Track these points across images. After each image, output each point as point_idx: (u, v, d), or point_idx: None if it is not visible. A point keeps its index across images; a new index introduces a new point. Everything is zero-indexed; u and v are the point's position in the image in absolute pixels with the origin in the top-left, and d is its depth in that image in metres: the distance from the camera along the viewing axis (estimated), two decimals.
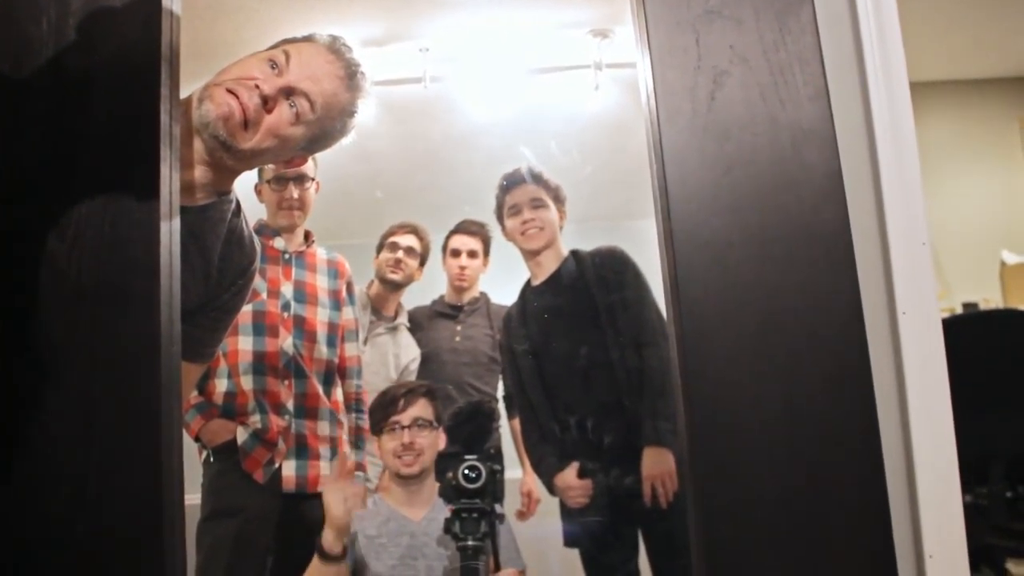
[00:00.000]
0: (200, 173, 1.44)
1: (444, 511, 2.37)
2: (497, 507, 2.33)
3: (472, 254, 3.32)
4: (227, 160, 1.45)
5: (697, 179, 1.20)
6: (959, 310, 5.47)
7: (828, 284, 1.19)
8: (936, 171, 6.00)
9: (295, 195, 2.74)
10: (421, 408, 2.51)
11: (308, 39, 1.53)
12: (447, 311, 3.34)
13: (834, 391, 1.17)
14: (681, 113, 1.21)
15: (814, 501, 1.15)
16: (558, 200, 2.75)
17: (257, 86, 1.40)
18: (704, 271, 1.18)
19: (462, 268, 3.31)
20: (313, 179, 2.78)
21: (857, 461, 1.17)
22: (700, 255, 1.18)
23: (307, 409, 2.65)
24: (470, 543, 2.23)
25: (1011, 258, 6.00)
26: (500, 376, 3.19)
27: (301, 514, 2.60)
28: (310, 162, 2.75)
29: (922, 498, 1.25)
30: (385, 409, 2.52)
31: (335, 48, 1.51)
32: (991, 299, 5.91)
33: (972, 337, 3.89)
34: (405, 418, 2.48)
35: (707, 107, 1.21)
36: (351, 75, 1.51)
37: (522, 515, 3.11)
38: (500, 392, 3.23)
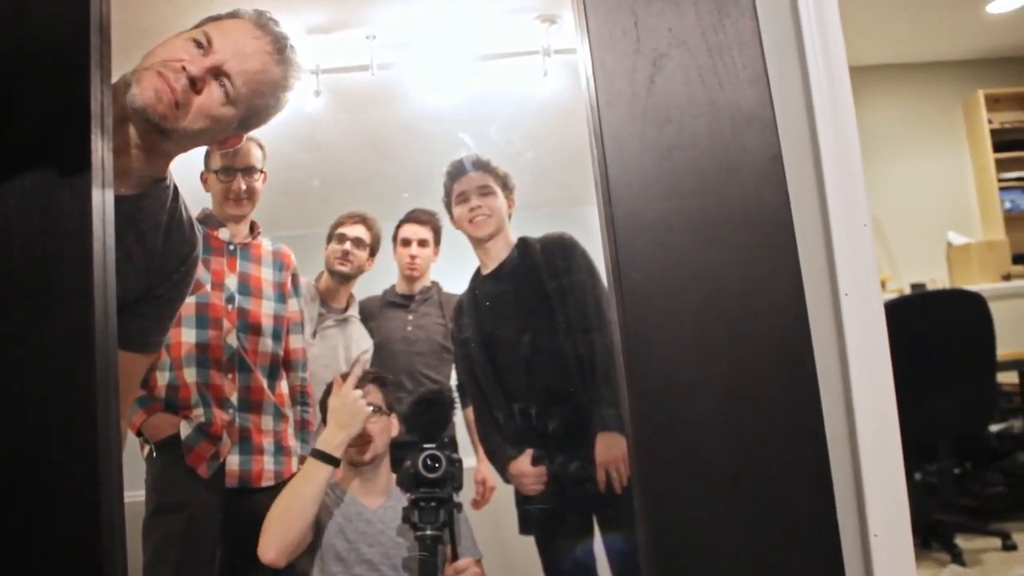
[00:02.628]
0: (134, 160, 1.42)
1: (401, 500, 2.35)
2: (455, 496, 2.32)
3: (423, 243, 3.30)
4: (161, 143, 1.43)
5: (637, 163, 1.19)
6: (907, 291, 5.55)
7: (770, 267, 1.19)
8: (883, 155, 6.09)
9: (242, 187, 2.69)
10: (371, 395, 2.49)
11: (233, 15, 1.50)
12: (398, 300, 3.32)
13: (777, 374, 1.17)
14: (621, 96, 1.21)
15: (758, 483, 1.16)
16: (506, 187, 2.74)
17: (184, 67, 1.37)
18: (646, 255, 1.17)
19: (413, 257, 3.28)
20: (262, 171, 2.74)
21: (801, 442, 1.17)
22: (641, 239, 1.18)
23: (251, 403, 2.62)
24: (429, 533, 2.23)
25: (957, 239, 6.10)
26: (453, 365, 3.17)
27: (247, 508, 2.57)
28: (258, 152, 2.71)
29: (866, 478, 1.26)
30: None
31: (261, 23, 1.49)
32: (938, 279, 6.01)
33: (920, 317, 3.96)
34: None
35: (647, 90, 1.21)
36: (280, 49, 1.48)
37: (477, 503, 3.10)
38: (453, 381, 3.21)
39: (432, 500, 2.26)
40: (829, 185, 1.30)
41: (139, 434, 2.53)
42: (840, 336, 1.28)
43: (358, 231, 3.22)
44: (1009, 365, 4.41)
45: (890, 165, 6.12)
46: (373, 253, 3.27)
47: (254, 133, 1.68)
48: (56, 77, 1.10)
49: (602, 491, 2.49)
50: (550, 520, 2.65)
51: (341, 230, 3.22)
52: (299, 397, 2.81)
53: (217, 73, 1.42)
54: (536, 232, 2.75)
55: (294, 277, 2.83)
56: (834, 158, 1.30)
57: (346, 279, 3.23)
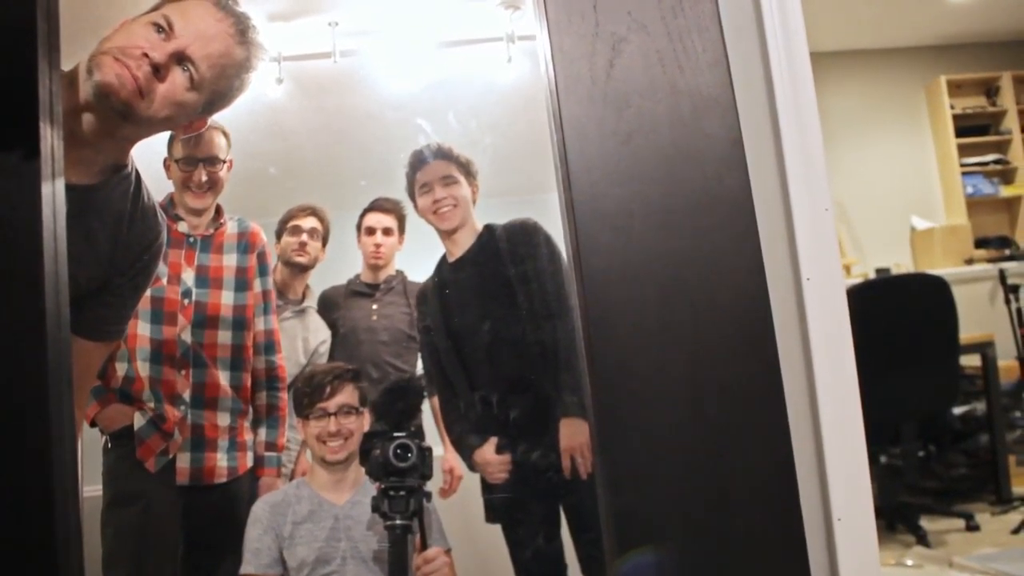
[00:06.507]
0: (93, 148, 1.40)
1: (368, 494, 2.34)
2: (425, 485, 2.31)
3: (387, 232, 3.28)
4: (123, 129, 1.40)
5: (597, 148, 1.18)
6: (872, 276, 5.59)
7: (731, 252, 1.18)
8: (847, 140, 6.12)
9: (203, 178, 2.61)
10: (348, 394, 2.47)
11: None
12: (363, 290, 3.30)
13: (739, 359, 1.17)
14: (580, 81, 1.20)
15: (721, 469, 1.15)
16: (469, 174, 2.70)
17: (145, 54, 1.34)
18: (606, 241, 1.17)
19: (377, 246, 3.27)
20: (225, 161, 2.66)
21: (763, 427, 1.17)
22: (602, 225, 1.17)
23: (206, 399, 2.57)
24: (398, 522, 2.21)
25: (920, 223, 6.15)
26: (418, 354, 3.15)
27: (203, 504, 2.53)
28: (222, 141, 2.62)
29: (829, 463, 1.26)
30: (311, 395, 2.47)
31: (222, 4, 1.45)
32: (902, 264, 6.06)
33: (884, 302, 3.99)
34: (331, 405, 2.44)
35: (606, 75, 1.20)
36: (242, 31, 1.45)
37: (445, 492, 3.09)
38: (419, 370, 3.20)
39: (402, 489, 2.25)
40: (790, 170, 1.30)
41: (93, 424, 2.49)
42: (802, 321, 1.28)
43: (312, 222, 3.20)
44: (971, 348, 4.46)
45: (854, 151, 6.16)
46: (325, 243, 3.25)
47: (219, 119, 1.65)
48: (2, 66, 1.08)
49: (567, 477, 2.48)
50: (515, 508, 2.64)
51: (295, 222, 3.19)
52: (264, 382, 2.75)
53: (180, 58, 1.38)
54: (499, 219, 2.73)
55: (261, 256, 2.76)
56: (795, 143, 1.30)
57: (303, 270, 3.22)
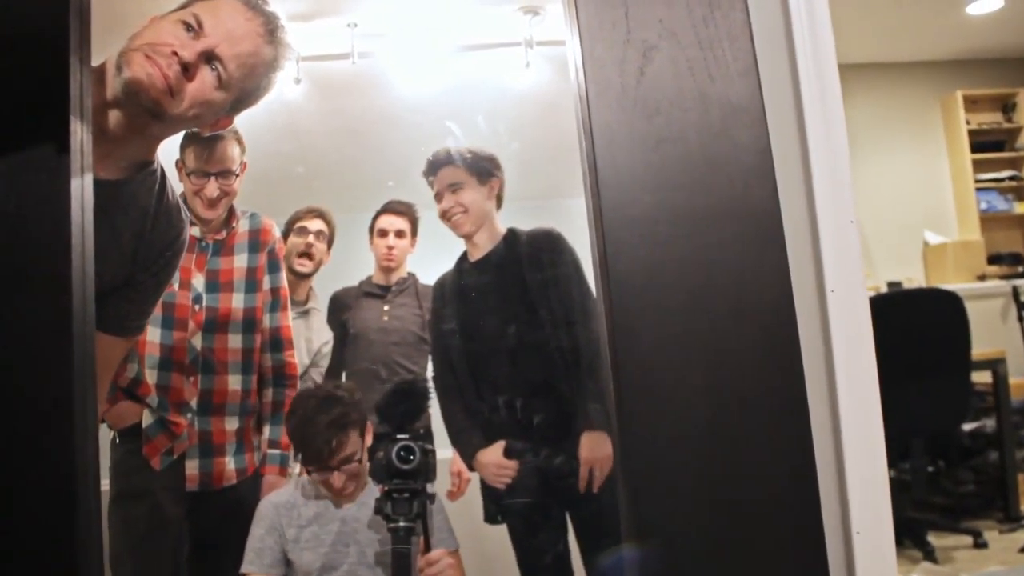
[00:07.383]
0: (121, 144, 1.40)
1: (373, 496, 2.32)
2: (429, 487, 2.29)
3: (400, 234, 3.29)
4: (151, 127, 1.40)
5: (626, 155, 1.18)
6: (884, 289, 5.58)
7: (758, 261, 1.18)
8: (861, 153, 6.11)
9: (214, 194, 2.54)
10: (350, 445, 2.36)
11: None
12: (375, 291, 3.31)
13: (763, 369, 1.17)
14: (610, 88, 1.20)
15: (743, 478, 1.15)
16: (483, 175, 2.68)
17: (175, 52, 1.34)
18: (633, 248, 1.16)
19: (390, 248, 3.28)
20: (238, 174, 2.58)
21: (786, 438, 1.17)
22: (629, 232, 1.17)
23: (214, 406, 2.54)
24: (402, 524, 2.20)
25: (933, 238, 6.13)
26: (429, 356, 3.15)
27: (210, 507, 2.51)
28: (235, 152, 2.56)
29: (850, 475, 1.26)
30: (307, 457, 2.36)
31: (252, 4, 1.45)
32: (914, 278, 6.04)
33: (895, 316, 3.98)
34: (335, 462, 2.34)
35: (636, 82, 1.20)
36: (271, 31, 1.45)
37: (453, 495, 3.09)
38: (429, 372, 3.20)
39: (405, 491, 2.23)
40: (817, 180, 1.29)
41: (101, 421, 2.47)
42: (826, 332, 1.28)
43: (318, 224, 3.21)
44: (982, 365, 4.44)
45: (868, 164, 6.15)
46: (330, 245, 3.26)
47: (236, 119, 1.64)
48: (35, 61, 1.08)
49: (582, 489, 2.47)
50: (521, 513, 2.63)
51: (301, 224, 3.20)
52: (272, 379, 2.69)
53: (209, 57, 1.38)
54: (515, 224, 2.73)
55: (271, 253, 2.70)
56: (822, 153, 1.30)
57: (308, 274, 3.22)
